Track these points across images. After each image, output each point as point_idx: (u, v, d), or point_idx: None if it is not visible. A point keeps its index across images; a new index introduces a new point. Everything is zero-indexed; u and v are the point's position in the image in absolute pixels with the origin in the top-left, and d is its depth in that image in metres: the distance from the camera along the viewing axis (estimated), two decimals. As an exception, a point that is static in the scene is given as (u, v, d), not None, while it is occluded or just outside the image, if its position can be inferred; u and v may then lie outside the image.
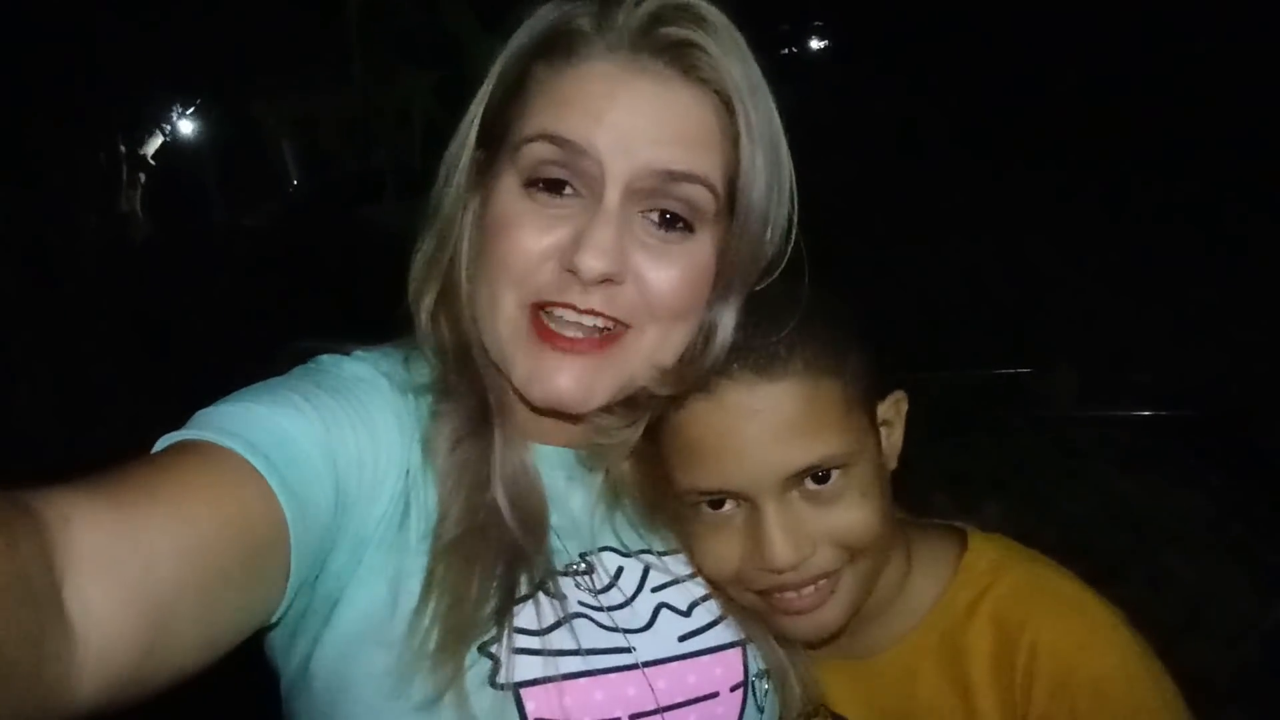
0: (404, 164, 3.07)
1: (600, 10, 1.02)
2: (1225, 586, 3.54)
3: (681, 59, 1.00)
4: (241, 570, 0.82)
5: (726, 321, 1.06)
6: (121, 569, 0.73)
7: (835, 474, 1.06)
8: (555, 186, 1.01)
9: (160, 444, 0.88)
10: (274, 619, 0.92)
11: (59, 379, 5.75)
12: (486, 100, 1.07)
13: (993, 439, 4.21)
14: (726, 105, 1.01)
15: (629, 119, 0.98)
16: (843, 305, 1.12)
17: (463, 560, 0.96)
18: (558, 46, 1.03)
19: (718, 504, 1.08)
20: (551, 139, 0.99)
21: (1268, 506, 4.17)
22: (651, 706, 1.01)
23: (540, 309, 1.02)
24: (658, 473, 1.11)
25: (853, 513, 1.07)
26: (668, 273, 1.01)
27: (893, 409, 1.19)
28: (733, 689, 1.06)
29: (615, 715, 0.99)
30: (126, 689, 0.73)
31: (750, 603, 1.10)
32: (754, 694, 1.07)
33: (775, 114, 1.04)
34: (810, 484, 1.06)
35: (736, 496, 1.06)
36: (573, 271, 0.98)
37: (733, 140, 1.01)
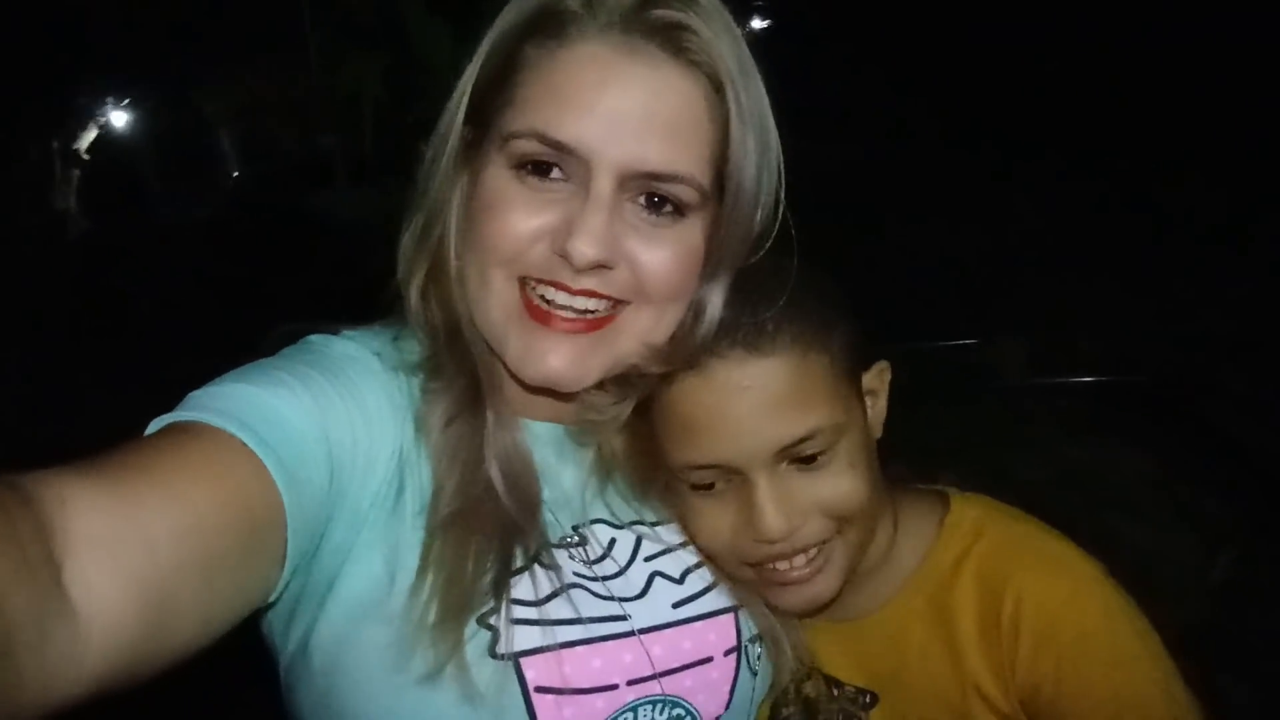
0: (353, 150, 3.02)
1: None
2: (1172, 546, 3.65)
3: (673, 41, 1.00)
4: (239, 550, 0.83)
5: (715, 299, 1.07)
6: (120, 550, 0.73)
7: (824, 445, 1.07)
8: (544, 170, 1.01)
9: (153, 426, 0.88)
10: (271, 598, 0.92)
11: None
12: (475, 79, 1.06)
13: (946, 409, 4.28)
14: (716, 87, 1.01)
15: (620, 106, 0.98)
16: (828, 279, 1.14)
17: (459, 535, 0.97)
18: (547, 26, 1.02)
19: (709, 479, 1.10)
20: (541, 138, 0.99)
21: (1210, 467, 4.30)
22: (648, 672, 1.02)
23: (529, 284, 1.02)
24: (649, 447, 1.12)
25: (842, 482, 1.09)
26: (660, 255, 1.02)
27: (877, 379, 1.21)
28: (726, 653, 1.08)
29: (613, 682, 1.01)
30: (127, 669, 0.73)
31: (744, 575, 1.12)
32: (747, 658, 1.10)
33: (764, 94, 1.04)
34: (800, 456, 1.07)
35: (728, 470, 1.08)
36: (564, 256, 0.98)
37: (723, 122, 1.01)
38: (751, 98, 1.02)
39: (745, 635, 1.10)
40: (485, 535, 0.98)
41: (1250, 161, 5.89)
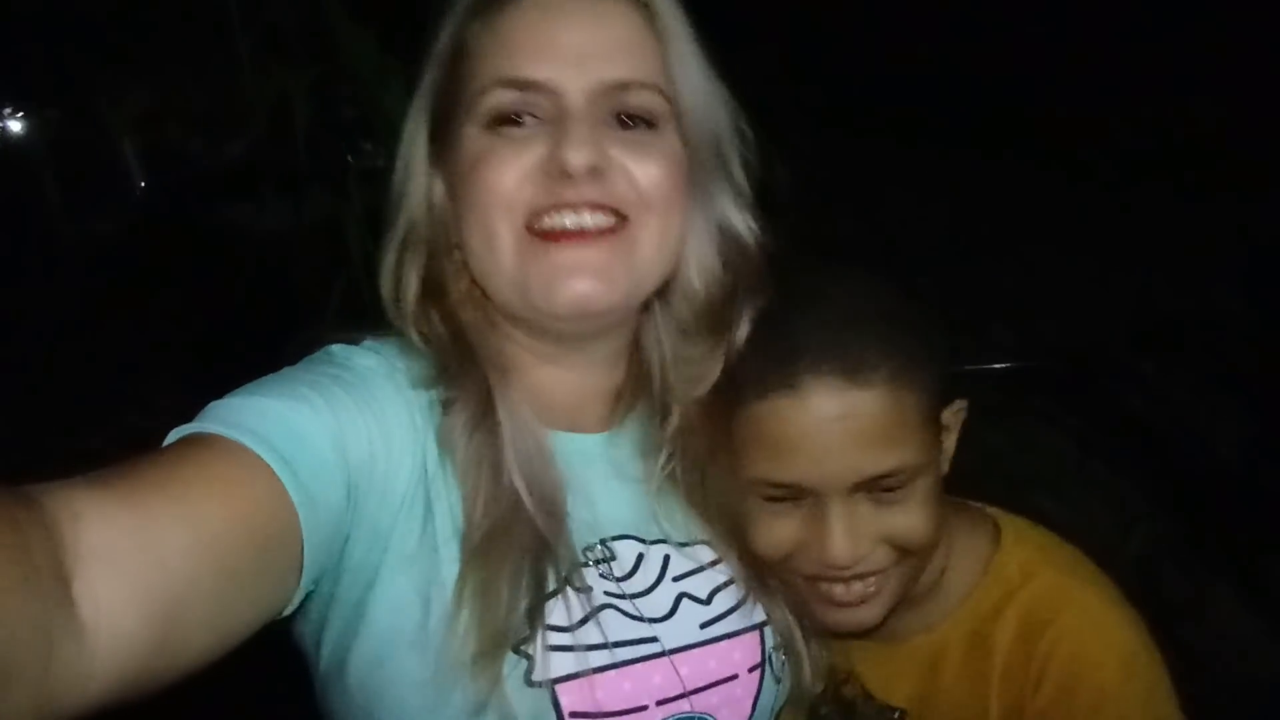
0: (272, 160, 2.96)
1: None
2: (1091, 521, 3.81)
3: None
4: (253, 564, 0.83)
5: (730, 211, 1.14)
6: (132, 564, 0.73)
7: (904, 480, 1.08)
8: (517, 120, 1.04)
9: (170, 438, 0.88)
10: (287, 612, 0.92)
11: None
12: (433, 89, 1.09)
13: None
14: (650, 16, 1.07)
15: (571, 39, 1.03)
16: (925, 312, 1.14)
17: (492, 564, 0.97)
18: (486, 5, 1.07)
19: (783, 494, 1.09)
20: (505, 83, 1.03)
21: (1121, 447, 4.49)
22: (677, 692, 1.04)
23: (535, 221, 1.02)
24: (723, 449, 1.12)
25: (912, 517, 1.09)
26: (646, 164, 1.04)
27: (954, 416, 1.21)
28: (750, 670, 1.11)
29: (643, 703, 1.02)
30: (137, 684, 0.73)
31: (793, 586, 1.14)
32: (771, 667, 1.12)
33: (692, 29, 1.10)
34: (878, 488, 1.07)
35: (805, 492, 1.08)
36: (560, 174, 0.99)
37: (662, 46, 1.08)
38: (679, 21, 1.08)
39: (769, 644, 1.13)
40: (517, 558, 0.98)
41: (1155, 146, 6.15)
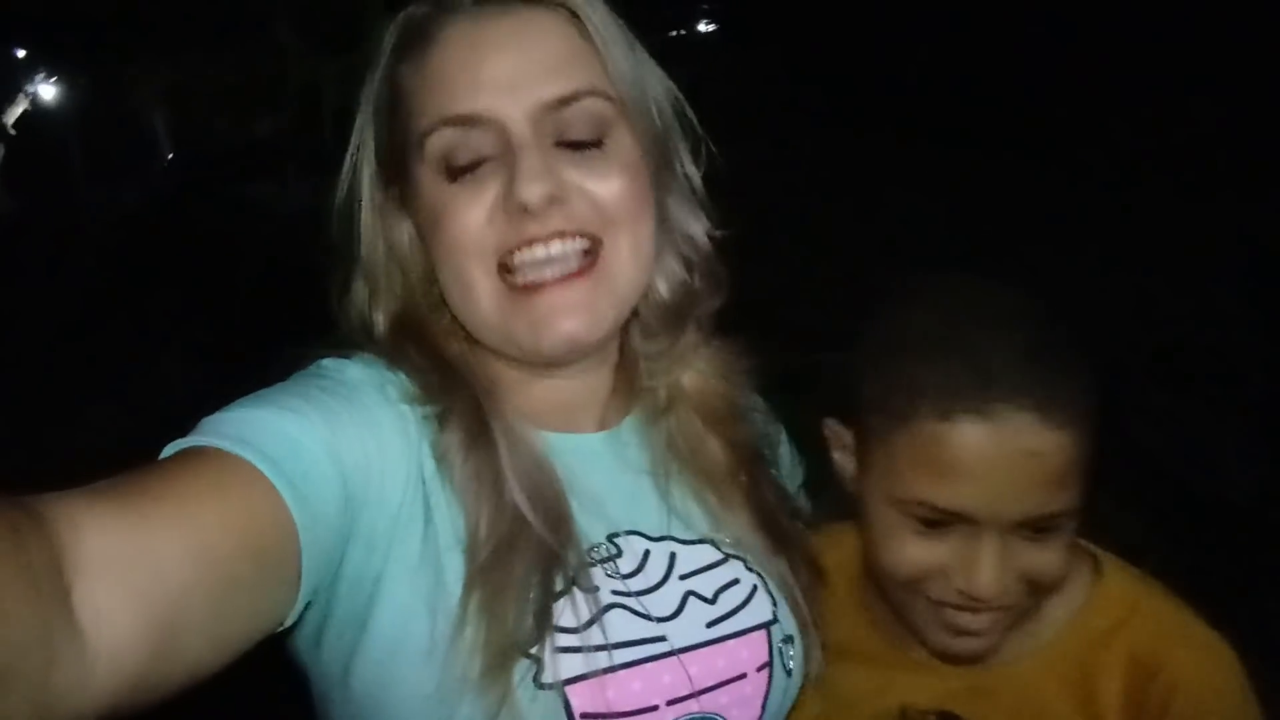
0: (300, 142, 2.97)
1: None
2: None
3: None
4: (251, 575, 0.83)
5: (682, 215, 1.13)
6: (130, 574, 0.73)
7: (1061, 524, 1.04)
8: (470, 167, 1.02)
9: (167, 451, 0.88)
10: (286, 623, 0.91)
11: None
12: (376, 135, 1.09)
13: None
14: (578, 22, 1.05)
15: (503, 64, 1.02)
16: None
17: (498, 582, 0.97)
18: (410, 40, 1.06)
19: (935, 520, 1.07)
20: (445, 121, 1.01)
21: (1124, 472, 4.46)
22: (686, 692, 1.03)
23: (508, 269, 1.02)
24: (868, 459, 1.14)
25: (1053, 556, 1.07)
26: (605, 180, 1.03)
27: None
28: (759, 669, 1.10)
29: (653, 703, 1.01)
30: (135, 694, 0.73)
31: (911, 605, 1.13)
32: (781, 661, 1.11)
33: (618, 23, 1.08)
34: (1035, 527, 1.05)
35: (963, 520, 1.05)
36: (520, 210, 0.99)
37: (592, 45, 1.05)
38: (610, 23, 1.06)
39: (778, 638, 1.12)
40: (524, 573, 0.98)
41: (1155, 146, 6.11)
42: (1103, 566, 1.19)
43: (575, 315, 1.03)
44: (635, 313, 1.15)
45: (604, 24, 1.06)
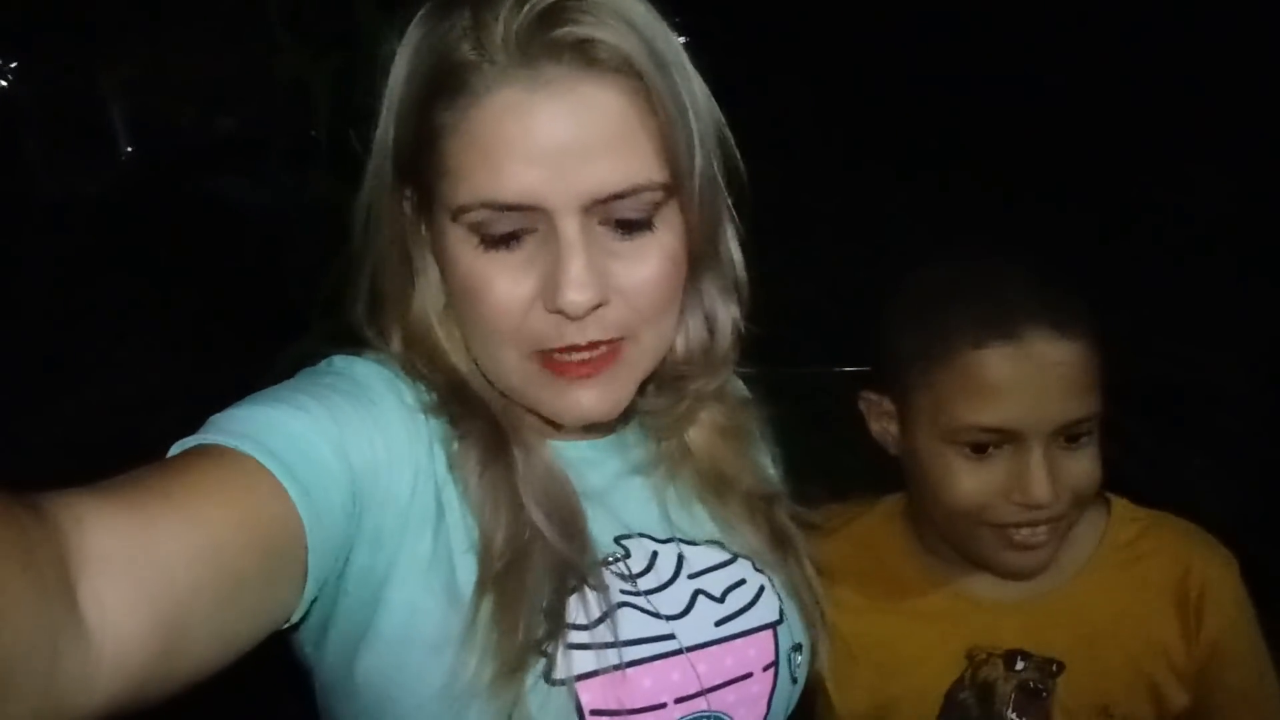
0: (284, 139, 2.91)
1: (475, 30, 0.96)
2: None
3: (581, 55, 0.96)
4: (257, 573, 0.82)
5: (716, 302, 1.11)
6: (136, 572, 0.72)
7: (1091, 428, 1.21)
8: (509, 238, 0.98)
9: (174, 449, 0.86)
10: (292, 620, 0.90)
11: None
12: (393, 143, 1.03)
13: (858, 432, 4.37)
14: (637, 83, 0.97)
15: (553, 144, 0.96)
16: None
17: (513, 591, 0.96)
18: (450, 85, 0.97)
19: (989, 440, 1.22)
20: (490, 206, 0.96)
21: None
22: (694, 690, 1.04)
23: (542, 351, 1.00)
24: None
25: (1089, 465, 1.22)
26: (643, 272, 1.00)
27: None
28: (765, 668, 1.10)
29: (662, 700, 1.02)
30: (141, 691, 0.72)
31: (976, 537, 1.26)
32: (789, 667, 1.12)
33: (684, 76, 1.01)
34: (1070, 435, 1.21)
35: (1011, 436, 1.21)
36: (560, 312, 0.96)
37: (661, 127, 0.98)
38: (669, 84, 0.98)
39: (784, 649, 1.12)
40: (538, 578, 0.98)
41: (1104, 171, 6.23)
42: (1105, 493, 1.34)
43: (596, 400, 1.02)
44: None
45: (672, 94, 0.99)
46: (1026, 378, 1.20)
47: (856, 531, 1.44)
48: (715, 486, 1.19)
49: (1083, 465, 1.23)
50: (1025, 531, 1.24)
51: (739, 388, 1.23)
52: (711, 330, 1.13)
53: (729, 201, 1.10)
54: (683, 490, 1.18)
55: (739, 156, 1.11)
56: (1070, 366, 1.20)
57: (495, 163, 0.96)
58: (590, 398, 1.01)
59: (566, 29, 0.95)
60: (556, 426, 1.08)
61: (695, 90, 1.03)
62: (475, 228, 0.98)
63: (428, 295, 1.07)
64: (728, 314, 1.12)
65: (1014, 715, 1.35)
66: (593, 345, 1.00)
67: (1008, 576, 1.30)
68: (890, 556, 1.39)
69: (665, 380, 1.15)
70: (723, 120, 1.10)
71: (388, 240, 1.06)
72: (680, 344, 1.14)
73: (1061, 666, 1.34)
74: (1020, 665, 1.35)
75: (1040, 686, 1.35)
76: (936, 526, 1.32)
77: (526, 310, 0.99)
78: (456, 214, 0.98)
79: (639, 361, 1.05)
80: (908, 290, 1.34)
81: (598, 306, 0.97)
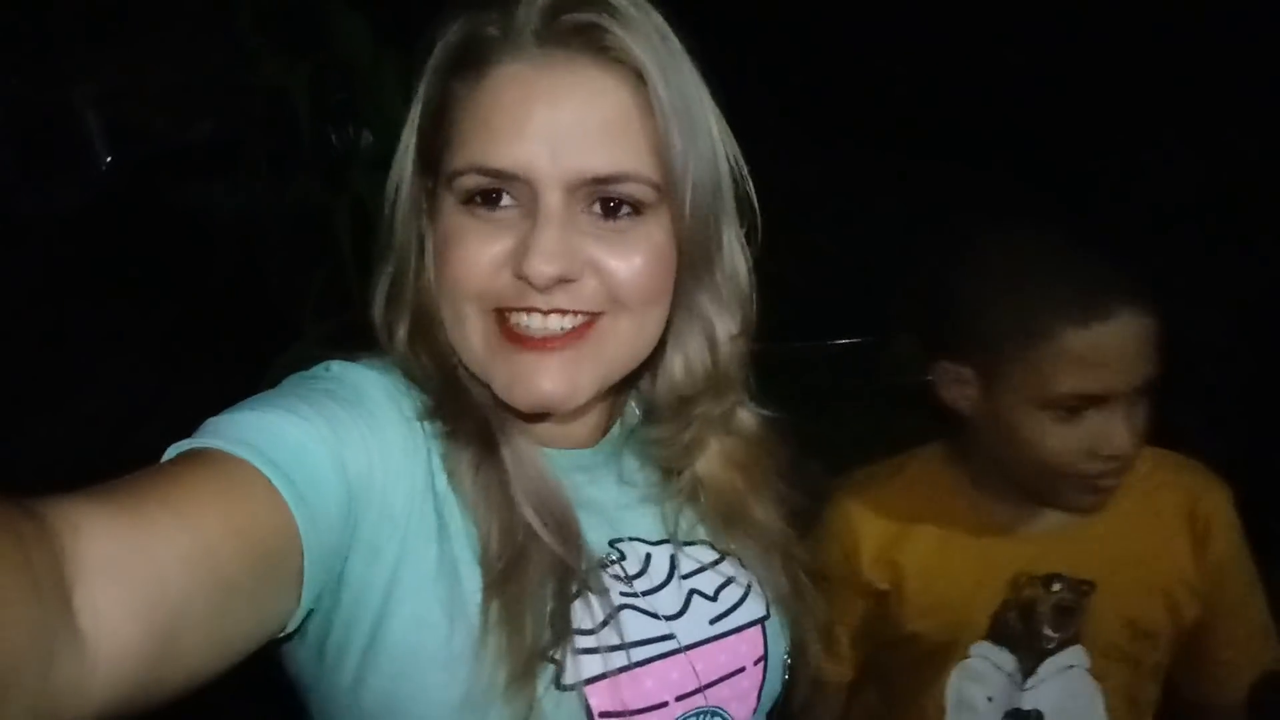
0: (262, 144, 2.90)
1: (503, 13, 1.01)
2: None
3: (591, 42, 0.99)
4: (253, 577, 0.81)
5: (713, 315, 1.10)
6: (131, 577, 0.72)
7: (1153, 386, 1.42)
8: (492, 200, 1.00)
9: (169, 453, 0.87)
10: (289, 629, 0.90)
11: None
12: (417, 128, 1.06)
13: (849, 406, 4.39)
14: (640, 81, 1.00)
15: (550, 120, 0.97)
16: None
17: (515, 594, 0.96)
18: (469, 59, 1.02)
19: (1077, 409, 1.41)
20: (480, 170, 0.99)
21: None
22: (693, 687, 1.06)
23: (504, 313, 1.01)
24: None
25: (1146, 415, 1.43)
26: (627, 260, 1.00)
27: None
28: (755, 663, 1.13)
29: (663, 699, 1.04)
30: (136, 697, 0.72)
31: (1061, 485, 1.46)
32: (777, 659, 1.16)
33: (691, 81, 1.03)
34: (1141, 393, 1.41)
35: (1099, 400, 1.40)
36: (524, 278, 0.97)
37: (658, 124, 1.00)
38: (672, 87, 1.00)
39: (771, 644, 1.15)
40: (539, 583, 0.98)
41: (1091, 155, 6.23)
42: None
43: (554, 380, 1.00)
44: (637, 386, 1.18)
45: (672, 95, 0.99)
46: (1121, 350, 1.39)
47: (906, 479, 1.64)
48: (726, 521, 1.17)
49: (1144, 415, 1.43)
50: (1109, 478, 1.44)
51: (753, 423, 1.20)
52: (714, 351, 1.12)
53: (739, 224, 1.10)
54: (675, 494, 1.17)
55: (751, 187, 1.10)
56: (1149, 335, 1.40)
57: (492, 131, 0.98)
58: (548, 378, 1.00)
59: (584, 15, 0.99)
60: (534, 420, 1.07)
61: (701, 104, 1.04)
62: (464, 194, 1.01)
63: (433, 279, 1.08)
64: (728, 332, 1.11)
65: (1050, 630, 1.52)
66: (559, 312, 1.00)
67: (1079, 513, 1.50)
68: (941, 497, 1.58)
69: (669, 406, 1.14)
70: (737, 151, 1.09)
71: (407, 228, 1.07)
72: (680, 365, 1.13)
73: (1092, 586, 1.51)
74: (1057, 586, 1.52)
75: (1073, 605, 1.51)
76: (1010, 475, 1.50)
77: (494, 272, 1.00)
78: (450, 179, 1.01)
79: (607, 349, 1.03)
80: (989, 269, 1.51)
81: (568, 282, 0.98)
